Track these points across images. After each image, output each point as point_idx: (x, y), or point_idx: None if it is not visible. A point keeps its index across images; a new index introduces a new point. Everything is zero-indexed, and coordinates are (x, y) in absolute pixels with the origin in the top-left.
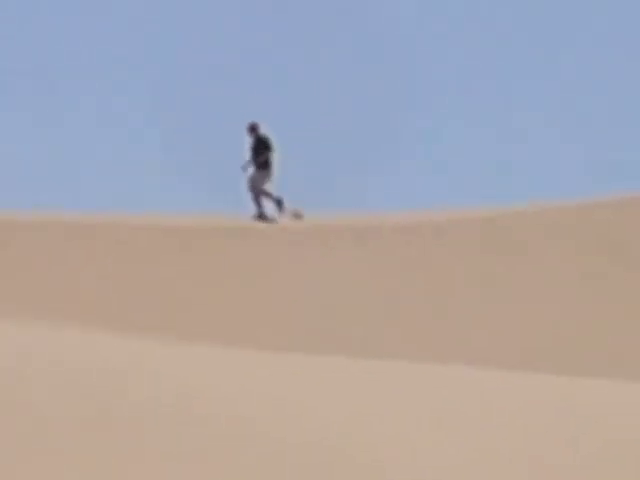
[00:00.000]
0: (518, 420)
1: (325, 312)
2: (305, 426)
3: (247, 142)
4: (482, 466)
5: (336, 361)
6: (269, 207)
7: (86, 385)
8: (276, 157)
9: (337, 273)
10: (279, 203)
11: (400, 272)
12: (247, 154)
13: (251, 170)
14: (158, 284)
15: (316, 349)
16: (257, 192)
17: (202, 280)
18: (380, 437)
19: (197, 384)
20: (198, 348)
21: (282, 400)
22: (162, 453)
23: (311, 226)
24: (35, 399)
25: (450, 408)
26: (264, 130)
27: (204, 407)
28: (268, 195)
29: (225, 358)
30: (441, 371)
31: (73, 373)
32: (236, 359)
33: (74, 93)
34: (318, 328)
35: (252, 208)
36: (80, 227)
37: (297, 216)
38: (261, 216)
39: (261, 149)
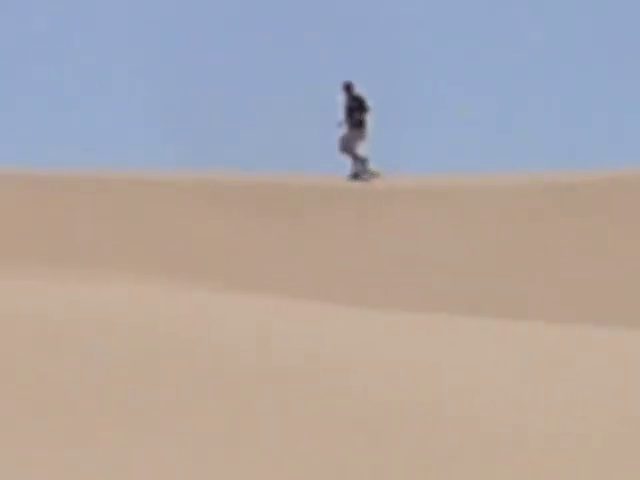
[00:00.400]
0: (604, 376)
1: (416, 269)
2: (393, 381)
3: (341, 100)
4: (566, 421)
5: (425, 317)
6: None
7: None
8: (371, 117)
9: (419, 231)
10: (363, 163)
11: (488, 231)
12: (341, 112)
13: (345, 130)
14: (249, 242)
15: (408, 305)
16: (351, 151)
17: (299, 239)
18: (468, 390)
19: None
20: (287, 301)
21: (373, 354)
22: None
23: (390, 186)
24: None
25: (536, 363)
26: (359, 90)
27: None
28: (356, 156)
29: (314, 312)
30: (525, 327)
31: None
32: (324, 313)
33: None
34: (412, 284)
35: (349, 167)
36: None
37: (375, 175)
38: (357, 175)
39: (356, 108)
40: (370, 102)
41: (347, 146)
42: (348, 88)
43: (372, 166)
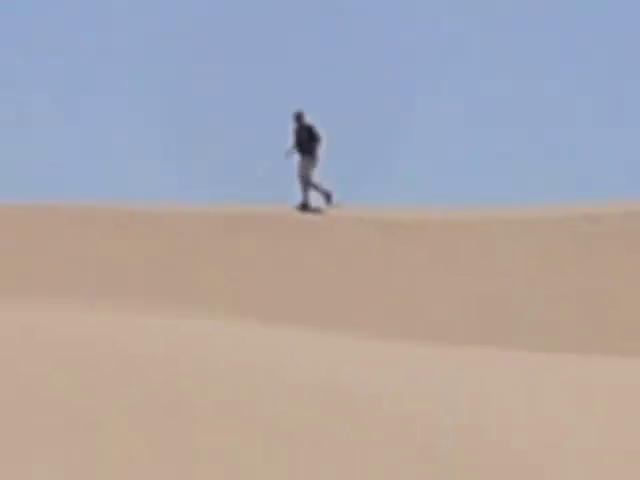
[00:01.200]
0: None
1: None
2: (453, 413)
3: (291, 130)
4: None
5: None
6: (314, 197)
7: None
8: (323, 145)
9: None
10: (328, 196)
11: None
12: (291, 141)
13: (298, 158)
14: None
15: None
16: (306, 181)
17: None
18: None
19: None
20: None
21: (433, 388)
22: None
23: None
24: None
25: (600, 396)
26: (309, 119)
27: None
28: (316, 186)
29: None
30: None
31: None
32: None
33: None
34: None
35: (299, 196)
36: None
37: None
38: (305, 206)
39: (308, 138)
40: (321, 132)
41: (304, 175)
42: (299, 118)
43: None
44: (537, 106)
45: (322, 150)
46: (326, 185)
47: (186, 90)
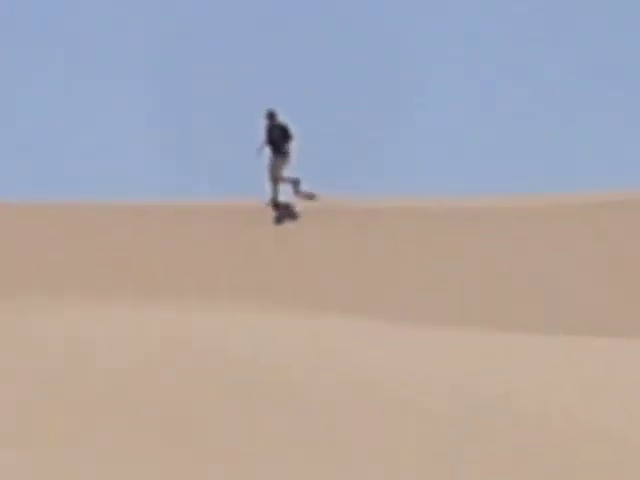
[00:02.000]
0: None
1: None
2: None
3: (263, 127)
4: None
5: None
6: (286, 191)
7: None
8: (295, 145)
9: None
10: (296, 183)
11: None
12: (263, 138)
13: (270, 156)
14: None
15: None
16: (275, 179)
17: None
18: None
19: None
20: (327, 319)
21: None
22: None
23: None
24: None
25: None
26: (282, 118)
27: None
28: (285, 180)
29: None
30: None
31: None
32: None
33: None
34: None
35: (268, 193)
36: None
37: (310, 197)
38: (274, 203)
39: (281, 136)
40: (293, 129)
41: (274, 175)
42: (271, 116)
43: (305, 188)
44: (571, 91)
45: (296, 148)
46: (303, 185)
47: (180, 88)
